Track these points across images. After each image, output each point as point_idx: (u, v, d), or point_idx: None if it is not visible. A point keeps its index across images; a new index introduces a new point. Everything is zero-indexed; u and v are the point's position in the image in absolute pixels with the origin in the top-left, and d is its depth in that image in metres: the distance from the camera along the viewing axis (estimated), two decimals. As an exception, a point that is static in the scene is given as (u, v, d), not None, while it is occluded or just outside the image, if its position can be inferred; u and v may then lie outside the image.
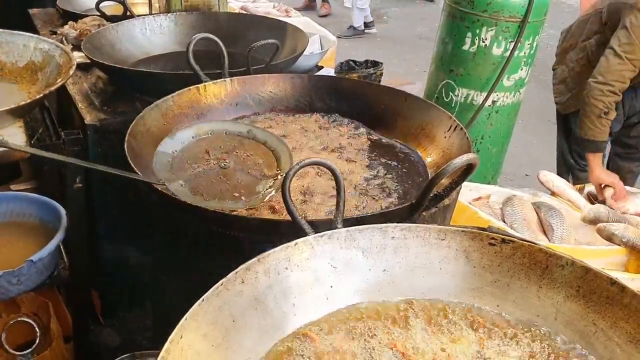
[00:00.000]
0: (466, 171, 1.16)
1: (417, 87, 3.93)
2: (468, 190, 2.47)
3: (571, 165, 3.27)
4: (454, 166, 1.08)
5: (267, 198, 1.33)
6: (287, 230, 1.07)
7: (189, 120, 1.74)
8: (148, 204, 1.40)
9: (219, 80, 1.83)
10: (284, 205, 1.05)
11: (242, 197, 1.33)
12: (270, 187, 1.36)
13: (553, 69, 3.25)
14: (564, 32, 3.18)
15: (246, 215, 1.22)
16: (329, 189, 1.45)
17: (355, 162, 1.64)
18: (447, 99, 3.12)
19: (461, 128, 1.59)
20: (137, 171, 1.29)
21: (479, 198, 2.52)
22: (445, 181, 1.31)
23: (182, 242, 1.30)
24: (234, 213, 1.22)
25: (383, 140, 1.77)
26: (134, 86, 2.06)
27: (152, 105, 1.64)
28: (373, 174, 1.58)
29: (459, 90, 3.07)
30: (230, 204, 1.30)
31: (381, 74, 2.92)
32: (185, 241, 1.29)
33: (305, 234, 1.03)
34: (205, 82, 1.80)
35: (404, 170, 1.62)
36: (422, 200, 1.19)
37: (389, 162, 1.65)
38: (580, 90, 2.84)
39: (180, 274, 1.36)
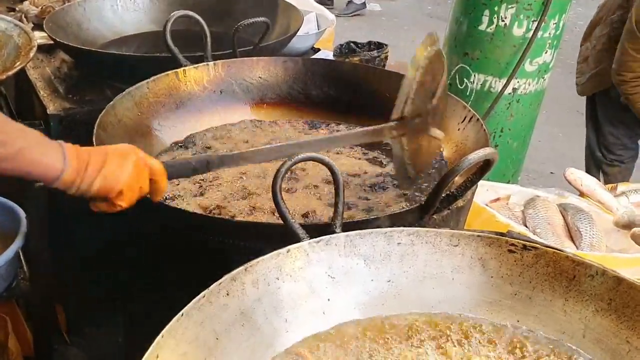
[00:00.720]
0: (483, 168, 1.16)
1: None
2: (485, 190, 2.47)
3: (599, 160, 3.28)
4: (469, 162, 1.08)
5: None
6: (278, 235, 1.07)
7: (166, 110, 1.75)
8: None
9: (200, 64, 1.83)
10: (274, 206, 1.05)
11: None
12: None
13: (580, 47, 3.28)
14: (600, 5, 3.21)
15: (231, 219, 1.22)
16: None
17: (356, 157, 1.65)
18: (461, 86, 3.11)
19: (477, 119, 1.60)
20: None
21: (497, 199, 2.51)
22: (458, 179, 1.31)
23: (159, 249, 1.30)
24: (218, 216, 1.22)
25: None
26: (103, 71, 2.05)
27: (124, 92, 1.64)
28: (376, 171, 1.58)
29: (474, 76, 3.06)
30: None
31: (386, 58, 2.91)
32: (163, 249, 1.29)
33: (298, 240, 1.03)
34: (185, 66, 1.80)
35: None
36: (432, 202, 1.19)
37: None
38: (602, 70, 2.88)
39: (157, 285, 1.36)
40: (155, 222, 1.26)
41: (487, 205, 2.33)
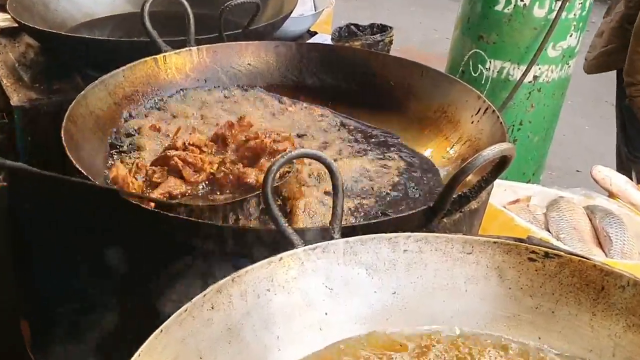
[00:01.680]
0: (499, 166, 1.16)
1: (436, 59, 3.93)
2: (502, 191, 2.47)
3: (624, 155, 3.30)
4: (483, 159, 1.08)
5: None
6: (269, 241, 1.07)
7: (145, 100, 1.75)
8: (93, 210, 1.40)
9: (182, 50, 1.83)
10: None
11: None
12: None
13: (602, 19, 3.30)
14: None
15: (216, 223, 1.22)
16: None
17: (357, 153, 1.64)
18: (475, 73, 3.12)
19: (493, 111, 1.60)
20: (80, 168, 1.29)
21: (516, 201, 2.52)
22: (472, 178, 1.31)
23: (132, 258, 1.30)
24: (202, 220, 1.21)
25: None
26: (73, 57, 2.05)
27: (96, 81, 1.64)
28: (380, 169, 1.58)
29: (490, 62, 3.08)
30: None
31: (391, 42, 2.91)
32: (137, 257, 1.28)
33: (292, 246, 1.03)
34: (165, 51, 1.80)
35: (420, 164, 1.63)
36: (442, 203, 1.19)
37: (400, 153, 1.66)
38: (611, 49, 2.92)
39: (133, 296, 1.36)
40: (128, 227, 1.26)
41: (504, 207, 2.34)
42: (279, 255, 1.01)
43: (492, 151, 1.08)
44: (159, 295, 1.18)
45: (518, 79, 3.01)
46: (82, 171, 1.29)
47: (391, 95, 1.85)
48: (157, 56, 1.79)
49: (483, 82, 3.10)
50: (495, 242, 1.07)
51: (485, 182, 1.22)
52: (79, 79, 2.00)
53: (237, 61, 1.90)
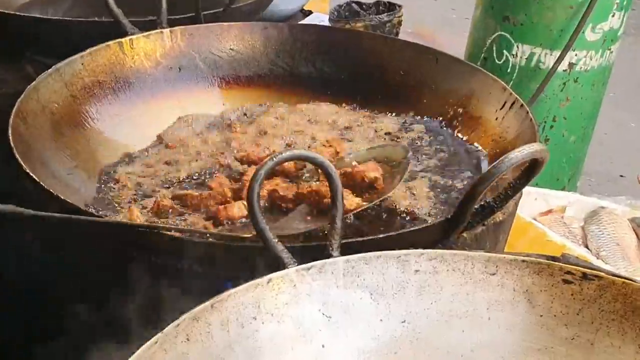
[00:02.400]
0: (529, 170, 1.16)
1: (454, 43, 3.93)
2: (532, 200, 2.48)
3: None
4: (511, 163, 1.08)
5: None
6: (256, 260, 1.07)
7: (107, 94, 1.75)
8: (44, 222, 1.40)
9: (153, 32, 1.84)
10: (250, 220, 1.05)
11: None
12: None
13: None
14: None
15: (189, 236, 1.22)
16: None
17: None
18: (499, 60, 3.12)
19: (521, 105, 1.61)
20: (33, 175, 1.29)
21: (549, 212, 2.53)
22: (497, 185, 1.32)
23: (91, 277, 1.30)
24: (172, 233, 1.21)
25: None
26: (22, 41, 2.04)
27: (50, 70, 1.65)
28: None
29: (517, 47, 3.07)
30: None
31: (400, 23, 2.93)
32: (95, 276, 1.29)
33: (283, 266, 1.03)
34: (132, 34, 1.80)
35: (437, 165, 1.64)
36: (461, 215, 1.19)
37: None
38: None
39: (90, 326, 1.36)
40: (86, 241, 1.26)
41: (535, 219, 2.34)
42: (267, 277, 1.01)
43: (520, 153, 1.08)
44: (124, 325, 1.18)
45: (550, 67, 2.99)
46: (36, 179, 1.28)
47: (401, 86, 1.86)
48: (123, 40, 1.79)
49: (509, 70, 3.10)
50: (523, 261, 1.07)
51: (513, 189, 1.22)
52: (28, 67, 2.00)
53: (217, 46, 1.91)
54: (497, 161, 1.09)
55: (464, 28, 3.51)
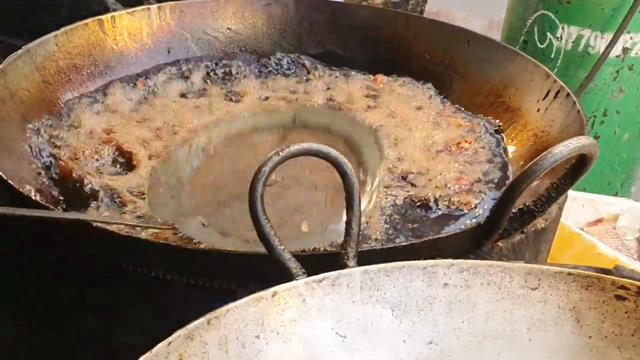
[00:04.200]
0: (576, 169, 1.16)
1: (485, 24, 3.93)
2: (579, 207, 2.48)
3: None
4: (555, 159, 1.07)
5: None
6: (259, 270, 1.07)
7: (85, 79, 1.76)
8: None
9: (138, 9, 1.86)
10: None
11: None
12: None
13: None
14: None
15: (184, 245, 1.23)
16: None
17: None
18: (541, 44, 3.12)
19: (567, 94, 1.61)
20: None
21: (599, 221, 2.52)
22: (538, 186, 1.32)
23: (75, 291, 1.30)
24: (163, 240, 1.22)
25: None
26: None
27: (20, 51, 1.65)
28: (409, 168, 1.60)
29: (563, 28, 3.07)
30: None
31: (425, 0, 2.93)
32: (80, 290, 1.29)
33: (290, 277, 1.03)
34: (114, 10, 1.83)
35: (466, 160, 1.65)
36: (496, 220, 1.19)
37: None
38: None
39: (74, 344, 1.36)
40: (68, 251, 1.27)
41: (582, 229, 2.34)
42: (271, 289, 1.00)
43: (566, 148, 1.07)
44: (110, 343, 1.19)
45: (601, 52, 3.00)
46: (5, 178, 1.29)
47: (426, 72, 1.86)
48: (103, 17, 1.80)
49: (552, 55, 3.10)
50: (570, 274, 1.07)
51: (557, 191, 1.21)
52: (-6, 49, 2.01)
53: (212, 25, 1.92)
54: (540, 156, 1.08)
55: (499, 6, 3.50)
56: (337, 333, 1.03)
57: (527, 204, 1.24)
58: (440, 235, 1.24)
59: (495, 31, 3.44)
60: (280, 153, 1.04)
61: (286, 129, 1.75)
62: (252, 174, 1.00)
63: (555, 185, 1.21)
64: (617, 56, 3.05)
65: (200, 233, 1.40)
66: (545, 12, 3.09)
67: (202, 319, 0.95)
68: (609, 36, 3.00)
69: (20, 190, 1.28)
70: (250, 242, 1.37)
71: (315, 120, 1.75)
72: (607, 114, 3.16)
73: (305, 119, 1.76)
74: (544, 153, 1.09)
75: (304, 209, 1.51)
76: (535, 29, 3.13)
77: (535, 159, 1.09)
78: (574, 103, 1.57)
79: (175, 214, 1.46)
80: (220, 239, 1.40)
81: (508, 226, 1.23)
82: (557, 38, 3.09)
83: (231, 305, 0.98)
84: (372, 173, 1.57)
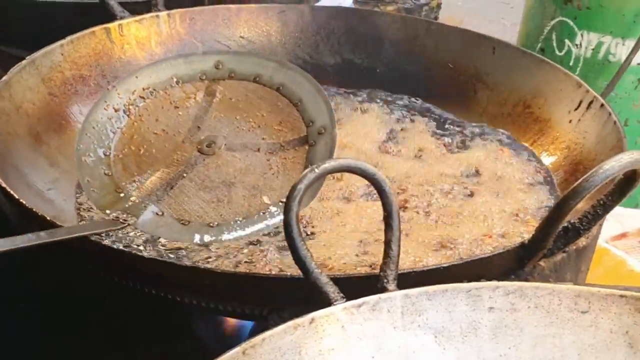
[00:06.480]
0: (625, 185, 1.15)
1: (501, 30, 3.93)
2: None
3: None
4: (606, 175, 1.06)
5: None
6: (295, 295, 1.07)
7: (92, 90, 1.76)
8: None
9: (146, 16, 1.85)
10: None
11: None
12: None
13: None
14: None
15: (212, 268, 1.21)
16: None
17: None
18: (560, 51, 3.12)
19: (601, 104, 1.60)
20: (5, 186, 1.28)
21: (623, 235, 2.51)
22: (581, 205, 1.30)
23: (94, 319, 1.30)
24: (191, 264, 1.21)
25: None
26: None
27: (24, 62, 1.65)
28: (449, 187, 1.60)
29: (582, 35, 3.08)
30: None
31: (439, 6, 2.94)
32: (100, 318, 1.28)
33: (327, 302, 1.02)
34: (122, 18, 1.81)
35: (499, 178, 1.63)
36: (542, 239, 1.18)
37: (475, 163, 1.67)
38: None
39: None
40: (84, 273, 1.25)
41: (607, 243, 2.33)
42: (309, 316, 1.00)
43: (617, 163, 1.06)
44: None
45: (623, 60, 2.99)
46: (13, 194, 1.27)
47: (449, 81, 1.87)
48: (110, 25, 1.80)
49: (571, 63, 3.09)
50: (622, 296, 1.06)
51: (603, 208, 1.20)
52: (-4, 60, 2.01)
53: (225, 33, 1.92)
54: (590, 173, 1.07)
55: (516, 13, 3.51)
56: (379, 361, 1.02)
57: (572, 221, 1.23)
58: (483, 256, 1.22)
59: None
60: (316, 170, 1.03)
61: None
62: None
63: (602, 202, 1.20)
64: (638, 64, 3.05)
65: (160, 226, 1.39)
66: (564, 18, 3.10)
67: (237, 349, 0.94)
68: (630, 43, 2.99)
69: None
70: (214, 226, 1.39)
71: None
72: (629, 123, 3.16)
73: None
74: (594, 169, 1.07)
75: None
76: (553, 37, 3.14)
77: (585, 176, 1.08)
78: (609, 114, 1.56)
79: (121, 202, 1.44)
80: (182, 228, 1.40)
81: (552, 245, 1.22)
82: (576, 45, 3.09)
83: (267, 333, 0.97)
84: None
